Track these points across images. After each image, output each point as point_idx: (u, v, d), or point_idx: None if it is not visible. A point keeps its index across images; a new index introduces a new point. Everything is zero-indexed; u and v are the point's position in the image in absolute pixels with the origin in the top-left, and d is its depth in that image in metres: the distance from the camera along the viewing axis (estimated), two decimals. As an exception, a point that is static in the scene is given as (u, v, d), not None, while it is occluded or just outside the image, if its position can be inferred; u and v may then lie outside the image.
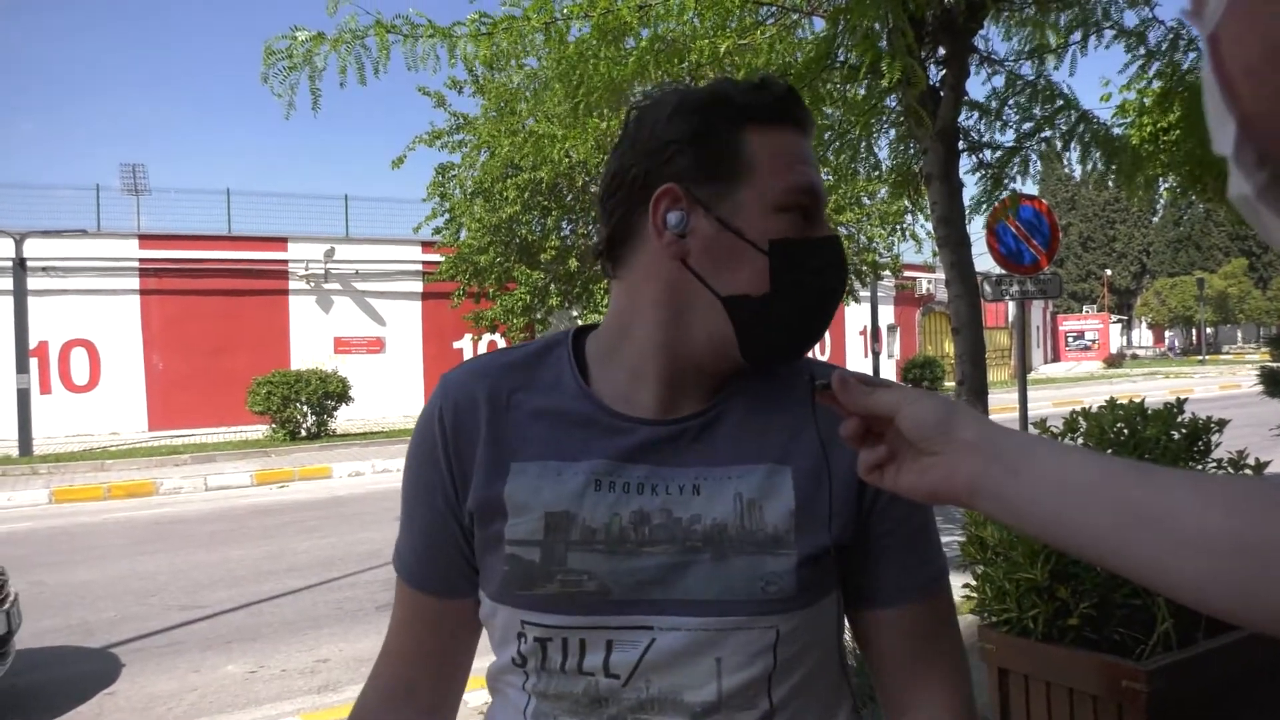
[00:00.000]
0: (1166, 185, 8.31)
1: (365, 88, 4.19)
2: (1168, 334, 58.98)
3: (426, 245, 20.20)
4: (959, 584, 4.32)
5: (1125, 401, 2.79)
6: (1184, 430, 2.52)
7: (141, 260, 18.75)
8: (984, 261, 7.77)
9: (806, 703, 0.93)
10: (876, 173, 5.24)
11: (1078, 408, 2.73)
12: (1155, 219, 60.54)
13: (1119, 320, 55.06)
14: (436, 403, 0.99)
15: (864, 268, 16.66)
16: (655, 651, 0.89)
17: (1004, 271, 6.70)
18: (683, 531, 0.90)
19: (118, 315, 18.29)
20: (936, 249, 4.59)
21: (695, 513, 0.91)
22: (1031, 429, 2.65)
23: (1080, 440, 2.53)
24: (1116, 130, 5.97)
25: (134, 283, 18.69)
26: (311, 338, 20.08)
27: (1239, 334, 62.39)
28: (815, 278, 0.92)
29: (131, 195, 22.68)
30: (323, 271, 20.32)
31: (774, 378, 0.98)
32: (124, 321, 18.33)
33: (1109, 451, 2.43)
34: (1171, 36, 4.32)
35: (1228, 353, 54.17)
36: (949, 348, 33.12)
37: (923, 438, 0.71)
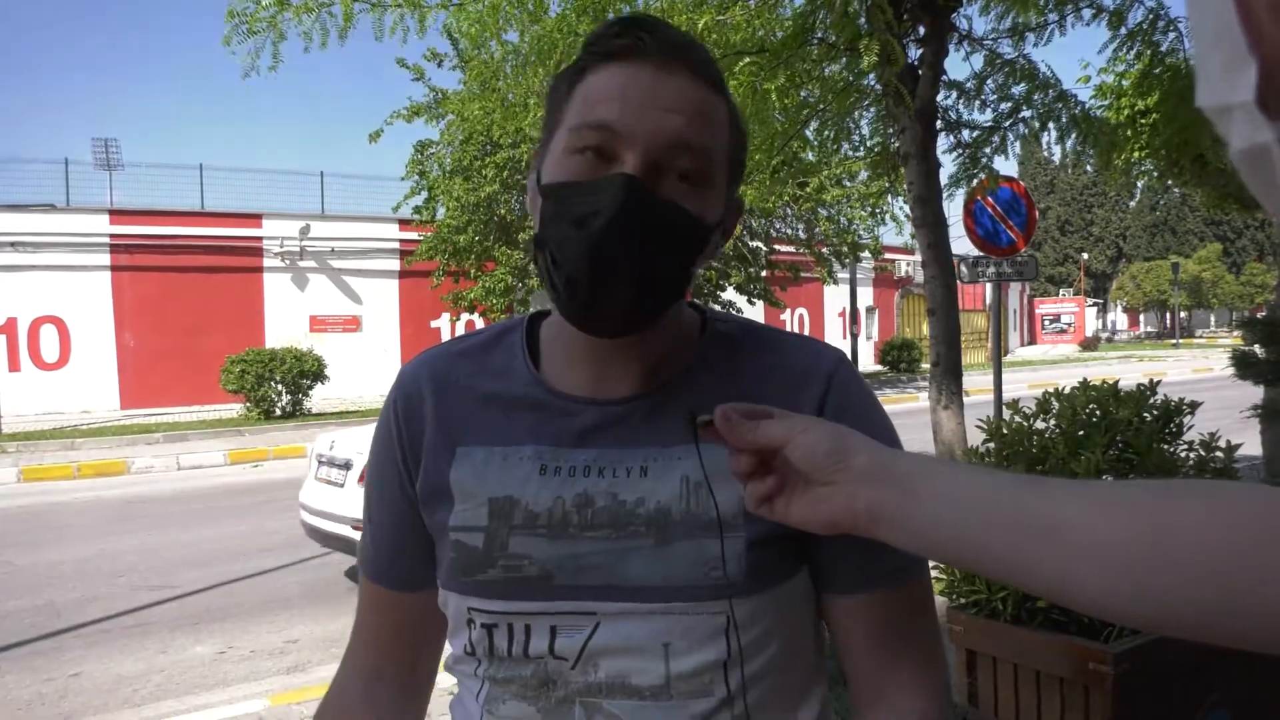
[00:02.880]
0: (1143, 169, 8.34)
1: (341, 62, 4.15)
2: (1141, 317, 59.60)
3: (404, 224, 20.00)
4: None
5: (1099, 383, 2.79)
6: (1155, 412, 2.51)
7: (113, 236, 18.45)
8: (961, 245, 7.79)
9: (772, 686, 0.90)
10: (857, 152, 5.21)
11: (1051, 390, 2.72)
12: (1132, 204, 61.01)
13: (1095, 304, 55.57)
14: (392, 395, 0.99)
15: (844, 249, 16.69)
16: (600, 636, 0.87)
17: (981, 253, 6.71)
18: (626, 515, 0.87)
19: (88, 292, 17.99)
20: (914, 228, 4.57)
21: (640, 495, 0.88)
22: (1005, 411, 2.64)
23: (1053, 422, 2.52)
24: (1095, 112, 5.97)
25: (105, 259, 18.39)
26: (286, 316, 19.88)
27: (1212, 318, 63.15)
28: (577, 225, 0.81)
29: (104, 170, 22.28)
30: (298, 249, 20.08)
31: (731, 352, 0.95)
32: (95, 298, 18.05)
33: (1080, 434, 2.41)
34: (1151, 18, 4.32)
35: (1201, 337, 54.86)
36: (926, 330, 33.39)
37: (815, 468, 0.70)
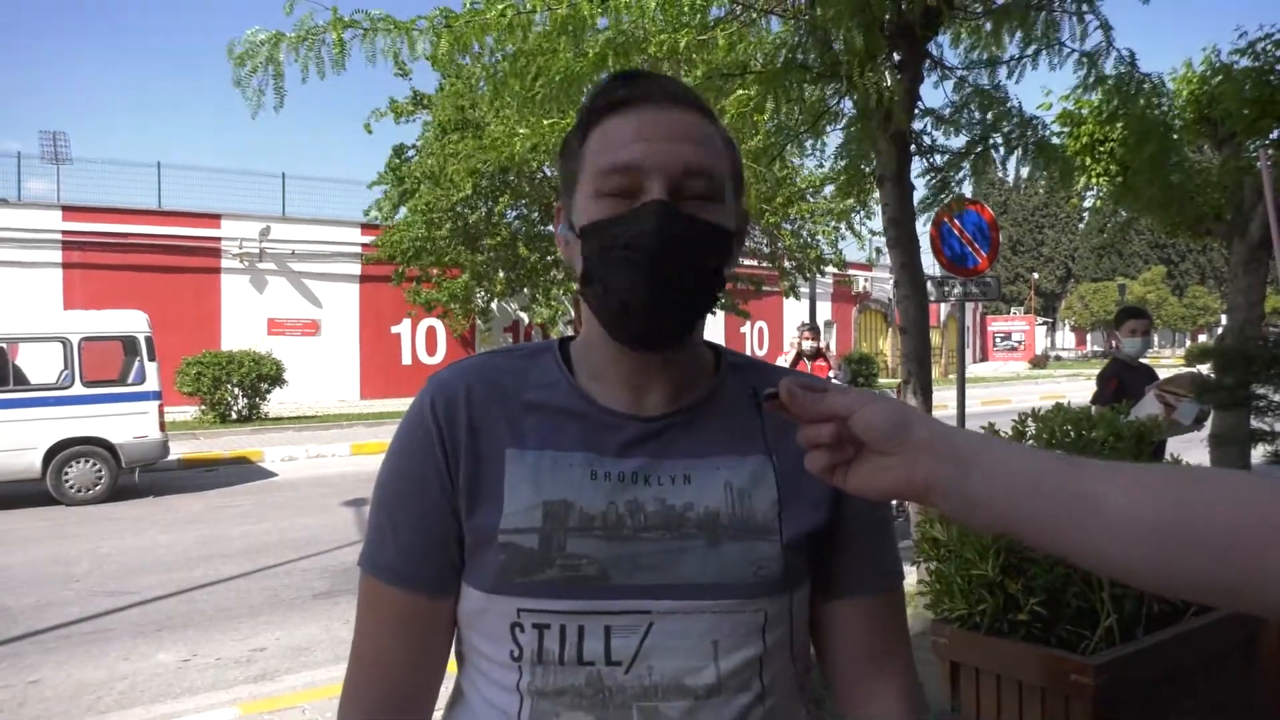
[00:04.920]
0: (1097, 194, 8.62)
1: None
2: (1088, 336, 60.94)
3: (366, 228, 19.84)
4: (912, 579, 4.42)
5: (1054, 401, 2.92)
6: (1125, 434, 2.62)
7: (65, 233, 18.03)
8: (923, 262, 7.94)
9: (786, 683, 0.98)
10: (831, 172, 5.31)
11: (1004, 407, 2.83)
12: (1081, 226, 62.53)
13: (1044, 322, 56.78)
14: (427, 398, 0.99)
15: (808, 262, 16.90)
16: (655, 635, 0.91)
17: (945, 273, 6.88)
18: (677, 518, 0.93)
19: (38, 289, 17.53)
20: (887, 248, 4.68)
21: (688, 501, 0.94)
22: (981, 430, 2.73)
23: (1030, 443, 2.62)
24: (1055, 139, 6.16)
25: (56, 256, 17.97)
26: (244, 318, 19.57)
27: (1156, 338, 64.93)
28: (624, 252, 0.90)
29: (51, 164, 21.71)
30: (257, 251, 19.80)
31: (744, 381, 1.02)
32: (45, 296, 17.58)
33: (1057, 453, 2.52)
34: (1127, 68, 4.54)
35: (1146, 357, 56.16)
36: (883, 345, 33.86)
37: (878, 439, 0.75)
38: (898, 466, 0.74)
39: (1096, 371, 5.48)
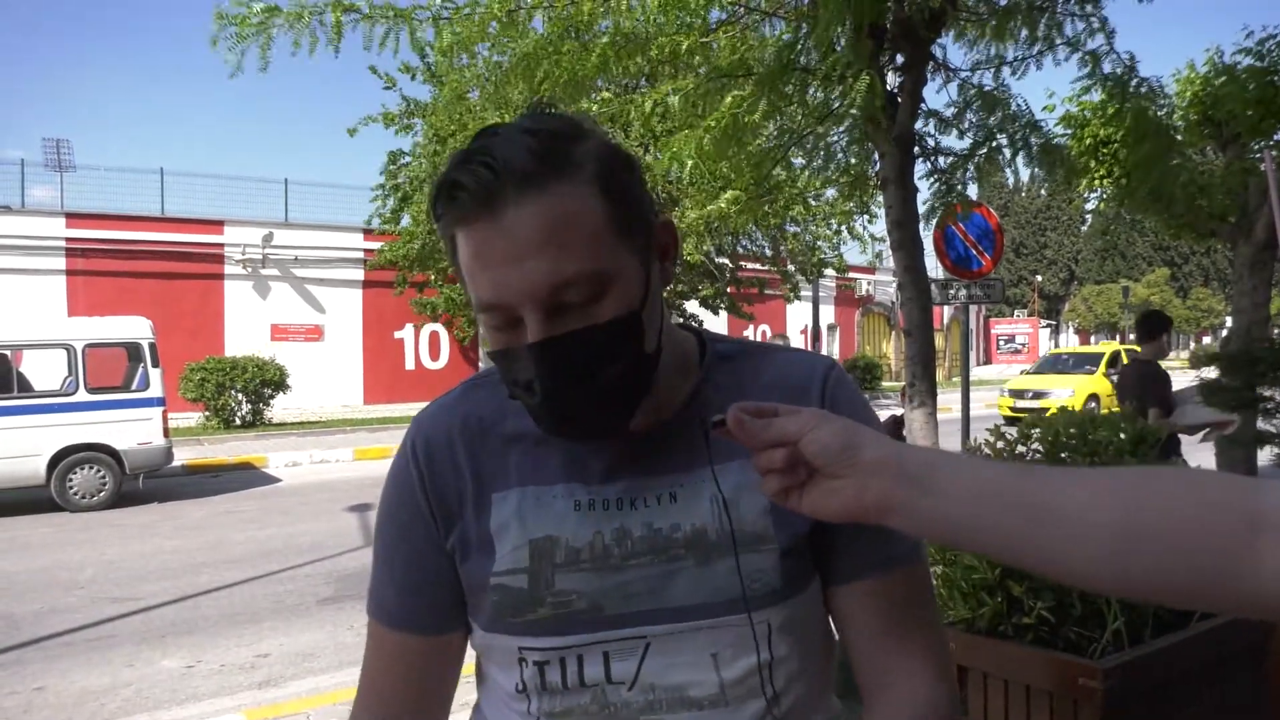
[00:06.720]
0: (1101, 196, 8.62)
1: (309, 69, 4.16)
2: (1092, 338, 60.81)
3: (368, 233, 19.88)
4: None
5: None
6: (1127, 433, 2.61)
7: (69, 240, 18.08)
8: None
9: (803, 686, 0.96)
10: (834, 174, 5.31)
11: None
12: (1084, 228, 62.49)
13: (1048, 325, 56.66)
14: (409, 440, 1.00)
15: (808, 266, 16.88)
16: (653, 655, 0.91)
17: (949, 276, 6.88)
18: (665, 540, 0.92)
19: (42, 296, 17.57)
20: (891, 251, 4.67)
21: (675, 521, 0.92)
22: (986, 434, 2.72)
23: (1035, 445, 2.61)
24: (1059, 141, 6.16)
25: (60, 263, 18.01)
26: (247, 324, 19.61)
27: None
28: (524, 392, 0.87)
29: (54, 171, 21.76)
30: (260, 256, 19.84)
31: (733, 371, 0.99)
32: (49, 302, 17.63)
33: (1063, 456, 2.50)
34: (1127, 68, 4.55)
35: (1149, 359, 55.96)
36: (887, 348, 33.81)
37: (828, 462, 0.74)
38: (848, 488, 0.73)
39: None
